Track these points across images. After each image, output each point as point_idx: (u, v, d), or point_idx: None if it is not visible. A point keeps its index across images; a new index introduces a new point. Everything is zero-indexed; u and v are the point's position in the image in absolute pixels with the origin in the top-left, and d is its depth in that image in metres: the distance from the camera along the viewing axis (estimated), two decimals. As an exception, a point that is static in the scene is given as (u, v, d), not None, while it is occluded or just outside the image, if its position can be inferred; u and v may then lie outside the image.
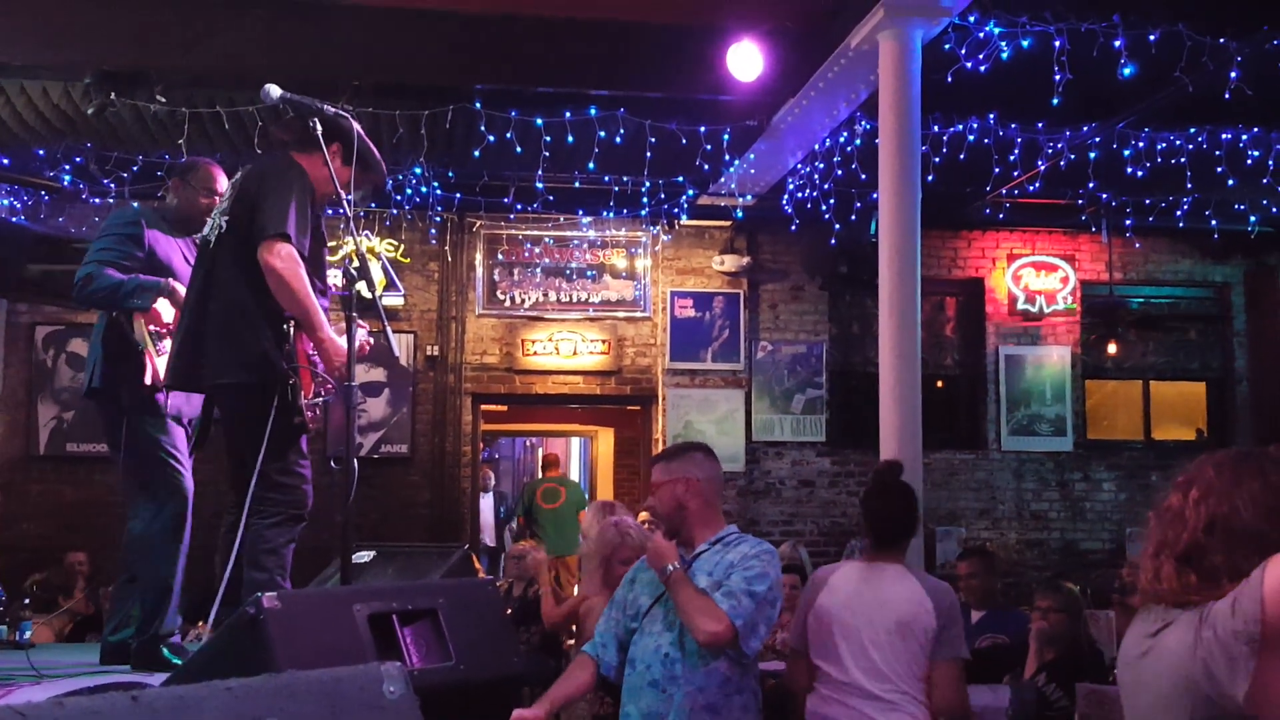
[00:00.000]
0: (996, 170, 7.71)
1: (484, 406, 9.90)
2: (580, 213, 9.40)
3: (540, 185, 8.35)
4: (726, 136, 7.44)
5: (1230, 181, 7.80)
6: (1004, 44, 6.02)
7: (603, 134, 7.27)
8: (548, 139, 7.29)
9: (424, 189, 8.73)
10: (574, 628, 5.31)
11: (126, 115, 6.84)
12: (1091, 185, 8.11)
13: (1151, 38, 5.95)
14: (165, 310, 4.00)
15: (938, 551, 9.23)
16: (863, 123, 7.38)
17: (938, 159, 7.42)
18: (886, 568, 3.56)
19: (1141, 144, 7.55)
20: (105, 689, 2.77)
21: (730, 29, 6.39)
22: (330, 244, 6.06)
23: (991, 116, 7.41)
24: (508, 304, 9.61)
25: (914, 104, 5.58)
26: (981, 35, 6.01)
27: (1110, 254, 10.00)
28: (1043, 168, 7.83)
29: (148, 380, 3.93)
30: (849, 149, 7.73)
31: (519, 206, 8.90)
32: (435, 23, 6.34)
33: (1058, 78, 6.00)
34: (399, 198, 8.86)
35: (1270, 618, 1.73)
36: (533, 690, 3.82)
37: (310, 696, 1.40)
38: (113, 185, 8.21)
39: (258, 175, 3.64)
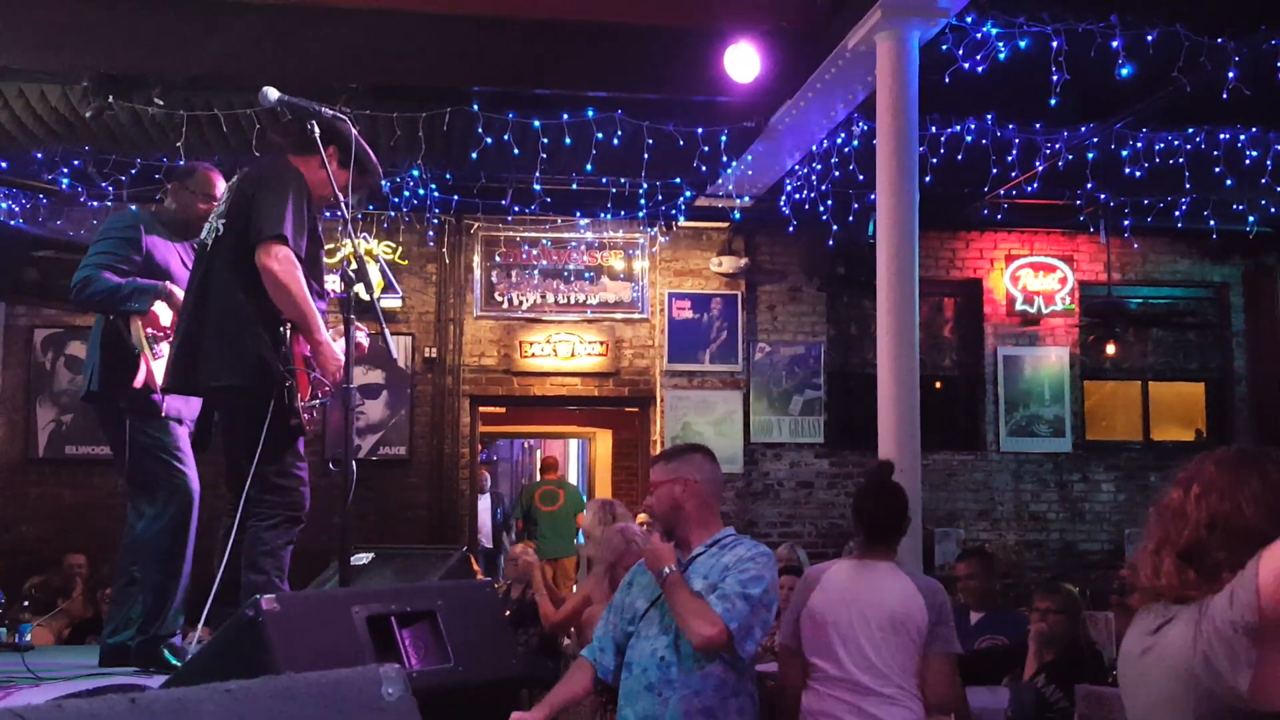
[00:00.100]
0: (994, 171, 7.70)
1: (482, 408, 9.89)
2: (578, 214, 9.41)
3: (538, 187, 8.35)
4: (724, 138, 7.43)
5: (1228, 182, 7.79)
6: (1001, 44, 6.02)
7: (600, 136, 7.27)
8: (545, 141, 7.28)
9: (422, 191, 8.73)
10: (573, 630, 5.31)
11: (124, 118, 6.84)
12: (1089, 186, 8.11)
13: (1149, 38, 5.95)
14: (163, 313, 4.00)
15: (936, 553, 9.21)
16: (860, 124, 7.38)
17: (935, 160, 7.40)
18: (878, 565, 3.60)
19: (1139, 144, 7.55)
20: (104, 691, 2.77)
21: (727, 30, 6.38)
22: (328, 246, 6.08)
23: (989, 117, 7.42)
24: (505, 306, 9.61)
25: (911, 105, 5.59)
26: (979, 36, 6.01)
27: (1108, 254, 9.99)
28: (1041, 168, 7.82)
29: (138, 383, 3.92)
30: (846, 150, 7.72)
31: (517, 208, 8.90)
32: (433, 25, 6.34)
33: (1055, 78, 6.00)
34: (397, 200, 8.87)
35: (1266, 605, 1.73)
36: (531, 692, 3.83)
37: (309, 698, 1.40)
38: (111, 188, 8.22)
39: (254, 178, 3.64)
